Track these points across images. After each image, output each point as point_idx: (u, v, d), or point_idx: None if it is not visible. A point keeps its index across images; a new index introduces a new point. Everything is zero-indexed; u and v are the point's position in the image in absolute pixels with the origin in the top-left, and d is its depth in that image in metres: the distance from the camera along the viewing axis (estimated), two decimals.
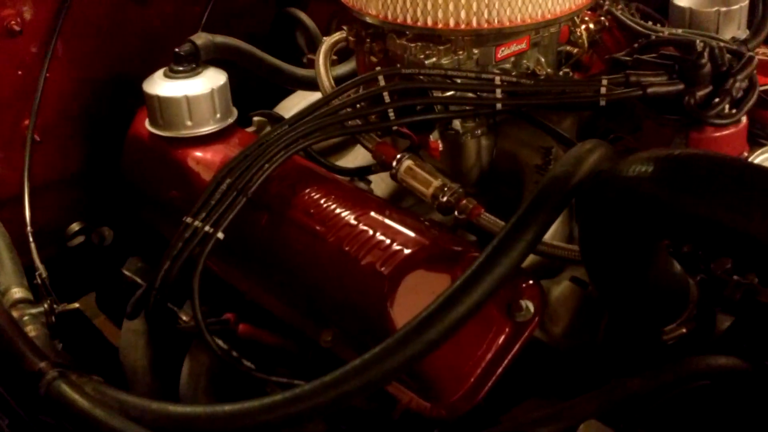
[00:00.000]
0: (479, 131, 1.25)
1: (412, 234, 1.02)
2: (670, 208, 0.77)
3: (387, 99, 1.13)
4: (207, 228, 1.07)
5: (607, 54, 1.37)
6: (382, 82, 1.14)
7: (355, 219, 1.05)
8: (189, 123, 1.25)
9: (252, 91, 1.51)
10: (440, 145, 1.18)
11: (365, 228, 1.03)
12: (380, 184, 1.36)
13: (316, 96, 1.35)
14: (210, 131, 1.26)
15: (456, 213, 1.07)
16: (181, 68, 1.26)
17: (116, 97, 1.41)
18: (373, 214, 1.06)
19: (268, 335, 1.21)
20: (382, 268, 0.97)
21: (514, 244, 0.85)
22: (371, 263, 0.99)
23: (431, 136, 1.19)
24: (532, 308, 0.98)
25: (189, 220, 1.09)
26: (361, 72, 1.29)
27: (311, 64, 1.44)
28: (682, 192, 0.76)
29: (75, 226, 1.48)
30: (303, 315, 1.13)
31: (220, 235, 1.07)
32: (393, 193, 1.36)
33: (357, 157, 1.44)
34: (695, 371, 0.90)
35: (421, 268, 0.97)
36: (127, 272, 1.41)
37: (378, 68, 1.17)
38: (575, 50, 1.36)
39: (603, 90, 1.12)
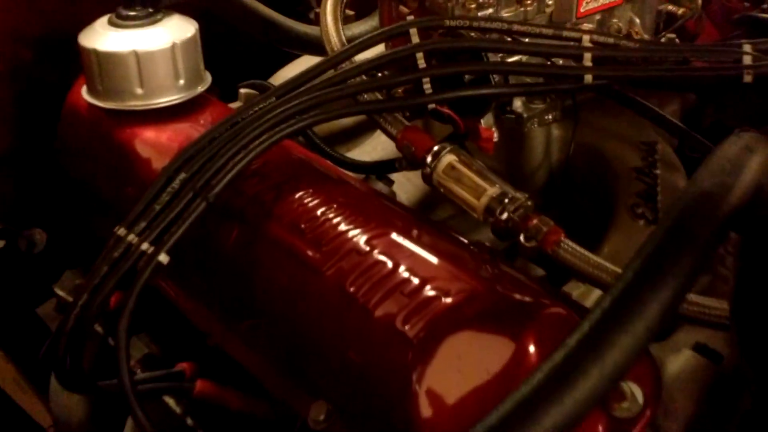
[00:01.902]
0: (550, 116, 0.91)
1: (455, 272, 0.67)
2: None
3: (422, 64, 0.78)
4: (145, 246, 0.73)
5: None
6: (414, 39, 0.79)
7: (368, 242, 0.70)
8: (139, 91, 0.90)
9: (242, 53, 1.17)
10: (495, 135, 0.84)
11: (382, 258, 0.68)
12: (406, 185, 1.01)
13: None
14: (169, 103, 0.92)
15: (521, 238, 0.72)
16: (131, 13, 0.92)
17: (52, 58, 1.07)
18: (395, 236, 0.71)
19: (237, 399, 0.88)
20: (406, 327, 0.63)
21: (641, 308, 0.50)
22: (389, 316, 0.64)
23: (482, 122, 0.84)
24: (640, 397, 0.63)
25: (121, 232, 0.75)
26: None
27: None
28: None
29: None
30: (285, 376, 0.79)
31: (164, 258, 0.72)
32: (423, 198, 1.02)
33: (376, 147, 1.09)
34: None
35: (467, 331, 0.62)
36: (59, 291, 1.08)
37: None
38: (680, 11, 1.02)
39: (747, 59, 0.76)
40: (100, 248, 0.98)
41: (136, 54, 0.89)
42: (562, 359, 0.49)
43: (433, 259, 0.69)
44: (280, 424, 0.88)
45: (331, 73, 0.81)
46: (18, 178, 1.12)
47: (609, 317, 0.50)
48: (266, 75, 1.19)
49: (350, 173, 0.95)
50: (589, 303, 0.76)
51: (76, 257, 1.11)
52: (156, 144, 0.91)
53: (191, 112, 0.93)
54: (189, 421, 0.89)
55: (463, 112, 0.83)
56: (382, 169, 0.96)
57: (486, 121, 0.85)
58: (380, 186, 0.96)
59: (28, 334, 1.11)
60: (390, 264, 0.68)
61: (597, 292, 0.76)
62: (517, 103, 0.90)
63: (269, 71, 1.20)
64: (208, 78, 0.97)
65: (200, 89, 0.94)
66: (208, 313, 0.85)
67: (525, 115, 0.89)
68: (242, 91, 1.10)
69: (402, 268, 0.67)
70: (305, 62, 1.17)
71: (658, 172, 0.84)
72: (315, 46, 1.13)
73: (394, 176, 0.97)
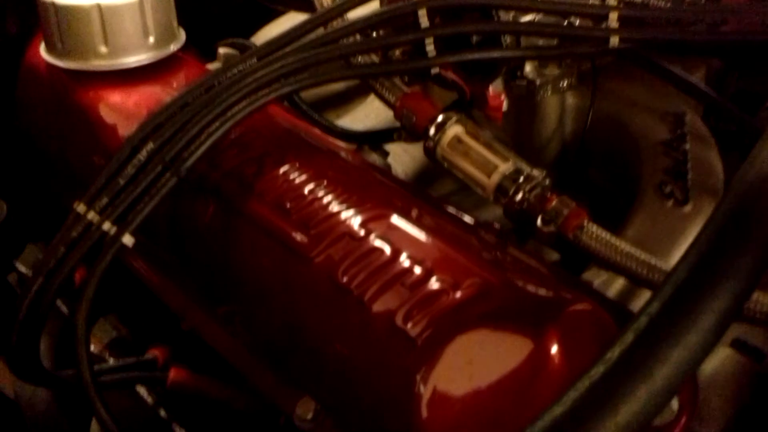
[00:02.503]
0: (565, 83, 0.82)
1: (464, 261, 0.58)
2: None
3: (424, 22, 0.69)
4: (107, 226, 0.64)
5: None
6: None
7: (363, 225, 0.62)
8: (103, 49, 0.81)
9: (220, 8, 1.09)
10: (504, 103, 0.75)
11: (379, 243, 0.60)
12: (402, 157, 0.93)
13: None
14: (138, 63, 0.82)
15: (539, 222, 0.63)
16: None
17: (9, 8, 0.96)
18: (394, 218, 0.62)
19: (216, 388, 0.79)
20: (408, 325, 0.54)
21: (697, 315, 0.42)
22: (387, 312, 0.56)
23: (490, 88, 0.76)
24: (675, 403, 0.56)
25: (81, 208, 0.66)
26: None
27: None
28: None
29: None
30: (266, 367, 0.70)
31: (128, 240, 0.64)
32: (421, 171, 0.93)
33: (369, 114, 1.00)
34: None
35: (479, 331, 0.54)
36: (21, 266, 0.99)
37: None
38: None
39: None
40: (62, 219, 0.90)
41: (99, 7, 0.79)
42: (601, 377, 0.41)
43: (438, 246, 0.60)
44: (262, 416, 0.80)
45: (320, 31, 0.72)
46: None
47: (659, 326, 0.41)
48: (247, 33, 1.09)
49: (341, 143, 0.86)
50: (612, 292, 0.68)
51: (39, 229, 1.02)
52: (122, 109, 0.81)
53: (162, 74, 0.83)
54: (162, 412, 0.81)
55: (469, 77, 0.74)
56: (377, 138, 0.87)
57: (494, 88, 0.76)
58: (374, 157, 0.87)
59: None
60: (388, 251, 0.59)
61: (621, 281, 0.68)
62: (529, 68, 0.81)
63: (251, 29, 1.10)
64: (182, 36, 0.87)
65: (173, 48, 0.85)
66: (182, 295, 0.77)
67: (537, 82, 0.80)
68: (221, 50, 1.00)
69: (402, 257, 0.58)
70: (291, 19, 1.07)
71: (687, 146, 0.76)
72: (302, 0, 1.03)
73: (389, 146, 0.88)
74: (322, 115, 0.93)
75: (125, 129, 0.79)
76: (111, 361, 0.84)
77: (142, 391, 0.82)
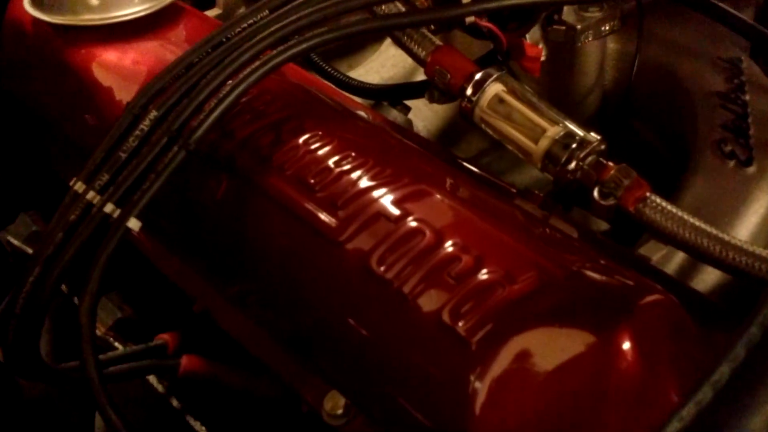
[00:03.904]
0: (607, 26, 0.74)
1: (516, 245, 0.52)
2: None
3: None
4: (109, 208, 0.58)
5: None
6: None
7: (399, 203, 0.55)
8: (94, 1, 0.73)
9: None
10: (543, 53, 0.68)
11: (419, 225, 0.53)
12: (423, 111, 0.86)
13: None
14: (133, 16, 0.74)
15: (595, 194, 0.57)
16: None
17: None
18: (434, 194, 0.56)
19: (232, 375, 0.74)
20: (460, 324, 0.48)
21: None
22: (433, 307, 0.49)
23: (527, 37, 0.68)
24: None
25: (79, 187, 0.60)
26: None
27: None
28: None
29: None
30: (288, 354, 0.64)
31: (134, 224, 0.57)
32: (444, 128, 0.86)
33: (385, 63, 0.92)
34: None
35: (541, 329, 0.48)
36: (13, 239, 0.92)
37: None
38: None
39: None
40: (57, 187, 0.83)
41: None
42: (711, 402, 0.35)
43: (485, 228, 0.54)
44: (282, 402, 0.75)
45: None
46: None
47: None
48: None
49: (357, 99, 0.79)
50: (671, 268, 0.62)
51: (30, 199, 0.95)
52: (118, 68, 0.74)
53: (161, 27, 0.76)
54: (175, 402, 0.75)
55: (503, 26, 0.67)
56: (401, 94, 0.79)
57: (531, 36, 0.69)
58: (395, 114, 0.80)
59: None
60: (429, 235, 0.52)
61: (681, 255, 0.62)
62: (568, 12, 0.73)
63: None
64: None
65: None
66: (194, 276, 0.70)
67: (578, 27, 0.73)
68: None
69: (446, 242, 0.52)
70: None
71: (747, 97, 0.69)
72: None
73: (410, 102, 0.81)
74: (332, 66, 0.85)
75: (122, 91, 0.72)
76: (117, 345, 0.78)
77: (152, 379, 0.77)
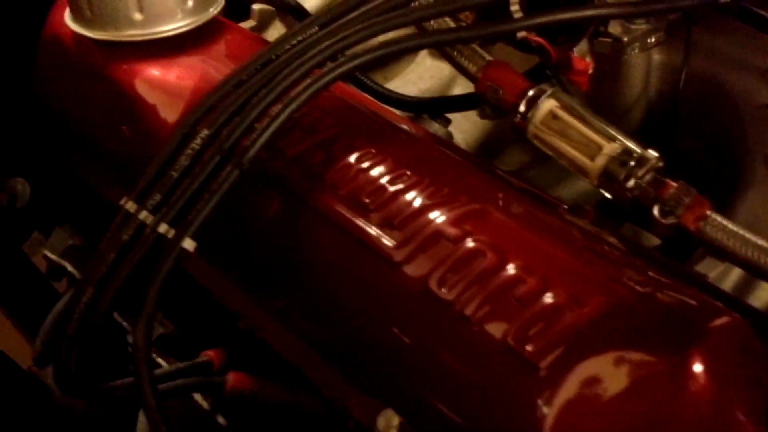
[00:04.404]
0: (653, 38, 0.74)
1: (579, 266, 0.52)
2: None
3: None
4: (163, 228, 0.57)
5: None
6: None
7: (457, 223, 0.55)
8: (138, 17, 0.73)
9: None
10: (591, 66, 0.67)
11: (479, 245, 0.53)
12: (463, 123, 0.85)
13: None
14: (176, 31, 0.74)
15: (655, 212, 0.56)
16: None
17: None
18: (492, 213, 0.55)
19: (279, 392, 0.73)
20: (527, 347, 0.47)
21: None
22: (498, 330, 0.49)
23: (575, 50, 0.68)
24: None
25: (130, 206, 0.60)
26: None
27: None
28: None
29: None
30: (339, 372, 0.64)
31: (189, 244, 0.57)
32: (484, 140, 0.86)
33: (422, 75, 0.91)
34: None
35: (611, 354, 0.47)
36: (50, 254, 0.92)
37: None
38: None
39: None
40: (93, 201, 0.83)
41: None
42: None
43: (547, 248, 0.53)
44: (328, 418, 0.74)
45: None
46: None
47: None
48: None
49: (397, 112, 0.78)
50: (728, 285, 0.61)
51: (64, 212, 0.95)
52: (162, 84, 0.73)
53: (203, 42, 0.75)
54: (221, 419, 0.75)
55: (552, 39, 0.67)
56: (442, 107, 0.78)
57: (579, 51, 0.69)
58: (435, 127, 0.79)
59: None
60: (490, 255, 0.52)
61: (737, 272, 0.61)
62: (614, 26, 0.73)
63: None
64: None
65: (212, 11, 0.76)
66: (242, 295, 0.70)
67: (625, 39, 0.72)
68: (255, 7, 0.93)
69: (508, 262, 0.51)
70: None
71: None
72: None
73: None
74: (373, 80, 0.85)
75: (166, 108, 0.72)
76: (161, 362, 0.78)
77: (196, 395, 0.76)
